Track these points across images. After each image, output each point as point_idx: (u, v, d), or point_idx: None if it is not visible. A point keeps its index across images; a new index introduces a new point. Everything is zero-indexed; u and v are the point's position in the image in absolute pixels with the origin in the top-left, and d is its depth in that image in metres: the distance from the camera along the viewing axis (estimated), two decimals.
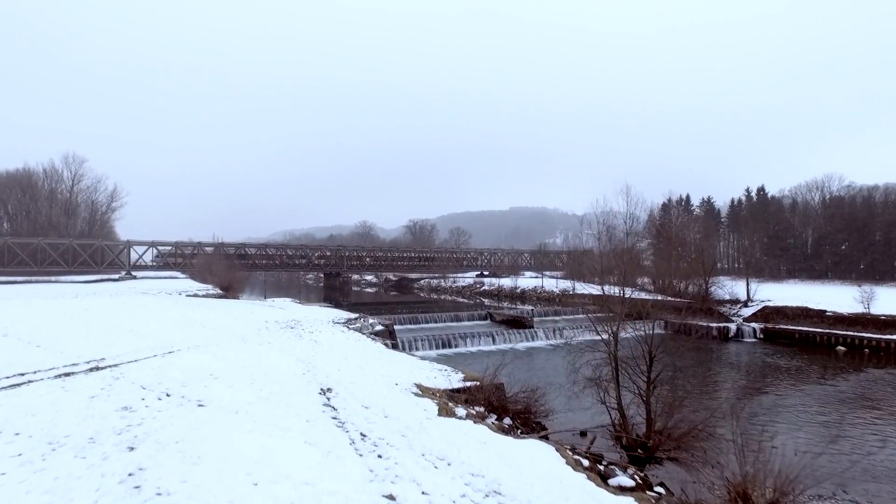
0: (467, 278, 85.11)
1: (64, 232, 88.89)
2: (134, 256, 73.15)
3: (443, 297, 75.72)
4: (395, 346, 21.57)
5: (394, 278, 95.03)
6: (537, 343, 36.21)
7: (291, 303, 35.15)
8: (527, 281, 66.16)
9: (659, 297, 47.76)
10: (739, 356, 33.25)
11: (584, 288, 58.15)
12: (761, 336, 38.74)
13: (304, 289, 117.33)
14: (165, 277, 68.47)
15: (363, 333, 21.48)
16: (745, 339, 38.92)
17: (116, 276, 67.92)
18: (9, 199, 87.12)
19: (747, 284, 44.51)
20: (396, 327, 36.70)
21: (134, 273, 69.57)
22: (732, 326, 39.47)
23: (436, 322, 39.29)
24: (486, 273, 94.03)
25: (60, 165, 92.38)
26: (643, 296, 50.51)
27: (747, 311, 41.76)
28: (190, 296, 39.56)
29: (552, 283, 62.48)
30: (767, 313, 40.01)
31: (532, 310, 45.63)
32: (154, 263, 72.84)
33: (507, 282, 67.58)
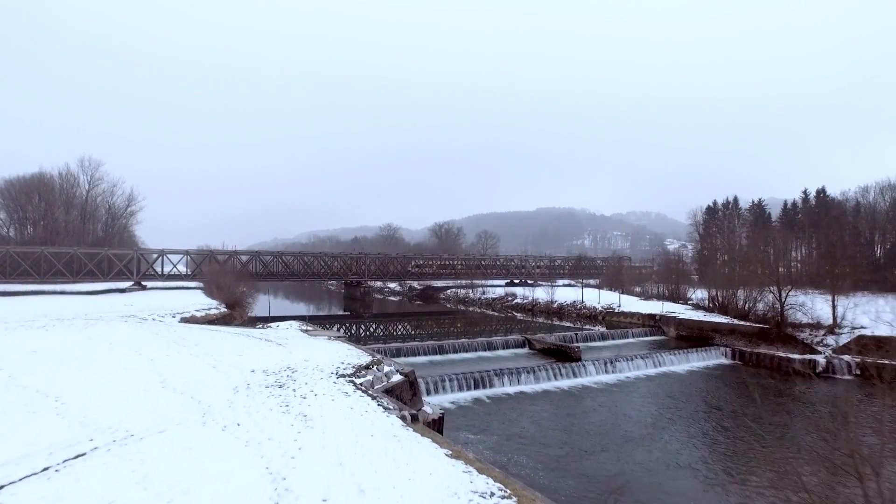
0: (497, 287, 79.40)
1: (80, 238, 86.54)
2: (159, 264, 69.67)
3: (470, 308, 70.29)
4: (415, 419, 16.16)
5: (418, 286, 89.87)
6: (586, 380, 30.44)
7: (297, 331, 30.12)
8: (564, 293, 60.08)
9: (724, 320, 41.22)
10: (847, 405, 26.58)
11: (629, 303, 51.93)
12: (857, 372, 32.12)
13: (327, 295, 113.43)
14: (175, 288, 64.75)
15: (373, 396, 16.15)
16: (836, 376, 32.38)
17: (125, 286, 64.45)
18: (26, 206, 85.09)
19: (833, 305, 37.69)
20: (420, 360, 31.53)
21: (144, 283, 66.07)
22: (821, 359, 32.94)
23: (465, 351, 33.83)
24: (516, 281, 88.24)
25: (76, 169, 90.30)
26: (702, 316, 44.06)
27: (836, 340, 35.06)
28: (185, 318, 34.98)
29: (593, 297, 56.26)
30: (864, 343, 33.30)
31: (576, 334, 39.73)
32: (174, 273, 69.19)
33: (541, 294, 61.62)
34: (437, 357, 32.36)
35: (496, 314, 64.67)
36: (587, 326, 50.91)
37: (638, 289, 73.32)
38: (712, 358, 36.88)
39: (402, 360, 31.33)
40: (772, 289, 39.88)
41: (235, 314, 44.08)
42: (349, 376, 18.40)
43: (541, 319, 56.42)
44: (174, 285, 66.65)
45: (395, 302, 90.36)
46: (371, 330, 56.73)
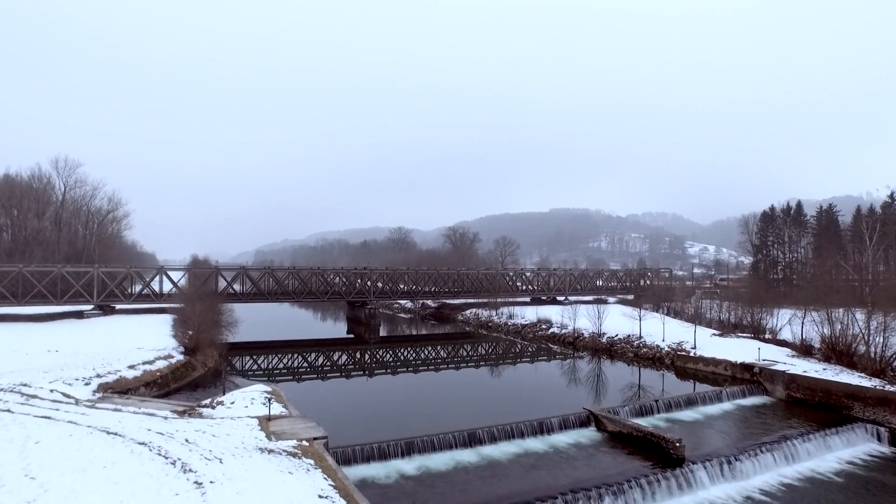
0: (525, 307, 68.36)
1: (55, 248, 77.11)
2: (154, 279, 59.86)
3: (493, 334, 59.49)
4: None
5: (433, 304, 79.19)
6: (699, 497, 19.57)
7: (253, 425, 19.56)
8: (614, 322, 48.27)
9: (865, 382, 29.76)
10: None
11: (705, 341, 40.07)
12: None
13: (332, 306, 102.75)
14: (147, 311, 54.78)
15: None
16: None
17: (87, 309, 54.65)
18: None
19: None
20: (441, 460, 20.98)
21: (114, 304, 56.16)
22: None
23: (508, 438, 22.99)
24: (543, 297, 77.26)
25: (49, 171, 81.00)
26: (822, 371, 32.62)
27: None
28: (107, 385, 24.71)
29: (654, 329, 44.87)
30: None
31: (656, 402, 28.71)
32: (148, 292, 59.28)
33: (585, 323, 50.35)
34: (466, 454, 21.42)
35: (526, 343, 54.00)
36: (647, 369, 40.07)
37: (691, 309, 61.97)
38: (859, 441, 25.80)
39: (417, 462, 20.64)
40: None
41: (197, 360, 33.66)
42: None
43: (586, 356, 45.49)
44: (147, 306, 56.71)
45: (405, 320, 79.91)
46: (378, 357, 49.32)
